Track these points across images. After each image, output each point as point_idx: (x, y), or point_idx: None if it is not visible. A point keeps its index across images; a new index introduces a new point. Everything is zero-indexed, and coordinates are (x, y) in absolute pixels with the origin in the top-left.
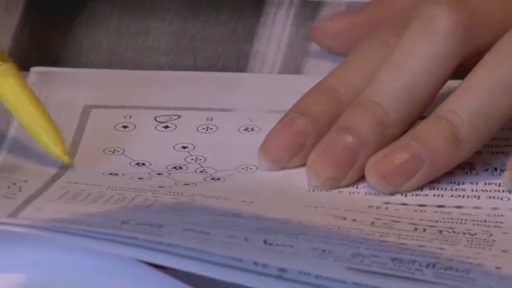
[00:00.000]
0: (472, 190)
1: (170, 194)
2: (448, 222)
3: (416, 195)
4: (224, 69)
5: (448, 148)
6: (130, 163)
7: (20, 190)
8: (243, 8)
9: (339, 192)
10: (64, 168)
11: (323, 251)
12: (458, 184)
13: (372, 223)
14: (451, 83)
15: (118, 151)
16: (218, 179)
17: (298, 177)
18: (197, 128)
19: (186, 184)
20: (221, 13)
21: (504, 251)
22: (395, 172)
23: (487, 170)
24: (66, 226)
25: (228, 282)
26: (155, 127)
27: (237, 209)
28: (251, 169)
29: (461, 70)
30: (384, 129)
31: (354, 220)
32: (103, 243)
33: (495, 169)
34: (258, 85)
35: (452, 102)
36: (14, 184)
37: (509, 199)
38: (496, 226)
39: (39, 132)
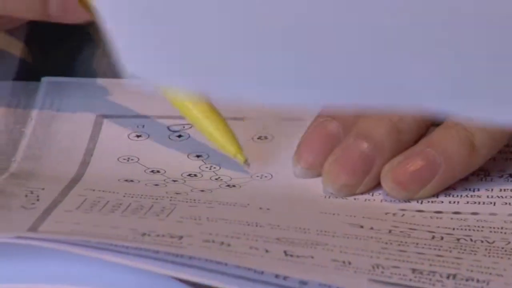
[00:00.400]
0: (488, 196)
1: (187, 201)
2: (465, 229)
3: (432, 202)
4: None
5: (464, 153)
6: (145, 170)
7: (38, 200)
8: None
9: (355, 199)
10: (80, 174)
11: (343, 262)
12: (474, 191)
13: (390, 231)
14: None
15: (132, 160)
16: (234, 186)
17: (314, 184)
18: None
19: (202, 191)
20: None
21: None
22: (410, 178)
23: (502, 176)
24: (87, 240)
25: None
26: (169, 136)
27: (255, 217)
28: (266, 177)
29: None
30: (399, 135)
31: (372, 228)
32: (124, 256)
33: (510, 175)
34: None
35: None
36: (32, 192)
37: None
38: None
39: (214, 132)
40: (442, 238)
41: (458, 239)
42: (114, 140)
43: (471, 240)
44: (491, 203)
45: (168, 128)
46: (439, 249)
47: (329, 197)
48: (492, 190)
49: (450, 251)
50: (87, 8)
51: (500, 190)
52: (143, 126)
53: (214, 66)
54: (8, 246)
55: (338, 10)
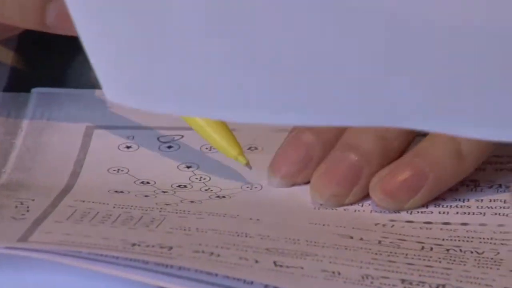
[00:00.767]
0: (477, 207)
1: (177, 212)
2: (455, 240)
3: (422, 212)
4: None
5: (451, 162)
6: (135, 181)
7: (28, 210)
8: None
9: (344, 210)
10: (70, 185)
11: (333, 272)
12: (463, 201)
13: (379, 242)
14: None
15: (122, 171)
16: (223, 197)
17: (304, 194)
18: (200, 148)
19: (192, 202)
20: None
21: (511, 270)
22: (399, 188)
23: (491, 187)
24: (77, 250)
25: None
26: (159, 147)
27: (244, 228)
28: (256, 187)
29: None
30: (386, 145)
31: (361, 239)
32: (114, 267)
33: (500, 186)
34: None
35: None
36: (22, 203)
37: None
38: (502, 244)
39: (214, 136)
40: (431, 248)
41: (448, 250)
42: (104, 151)
43: (461, 250)
44: (481, 213)
45: (158, 139)
46: (429, 260)
47: (319, 208)
48: (481, 200)
49: (440, 262)
50: None
51: (490, 200)
52: (133, 137)
53: (198, 90)
54: None
55: (320, 35)
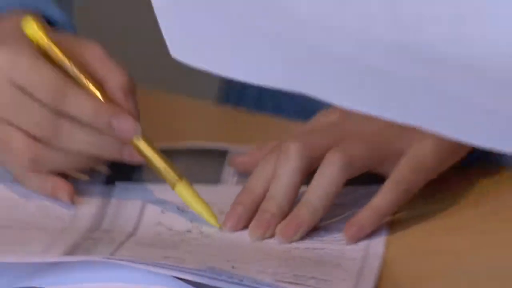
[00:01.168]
0: (325, 241)
1: (190, 244)
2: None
3: (301, 242)
4: None
5: (309, 217)
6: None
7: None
8: None
9: (266, 241)
10: (134, 232)
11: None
12: (322, 236)
13: (283, 257)
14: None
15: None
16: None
17: (243, 234)
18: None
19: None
20: None
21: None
22: (291, 232)
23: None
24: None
25: None
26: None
27: (225, 251)
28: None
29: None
30: (292, 196)
31: (279, 257)
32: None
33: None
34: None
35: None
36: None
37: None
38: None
39: (200, 211)
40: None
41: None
42: (151, 213)
43: (306, 277)
44: (325, 247)
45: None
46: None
47: (254, 241)
48: (328, 234)
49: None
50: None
51: (336, 235)
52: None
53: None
54: (95, 264)
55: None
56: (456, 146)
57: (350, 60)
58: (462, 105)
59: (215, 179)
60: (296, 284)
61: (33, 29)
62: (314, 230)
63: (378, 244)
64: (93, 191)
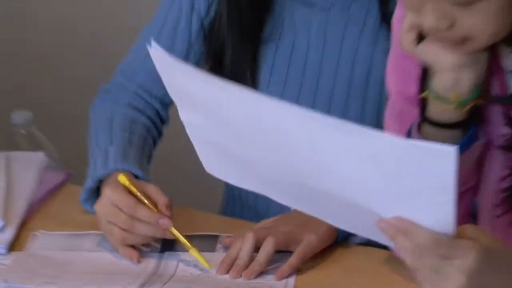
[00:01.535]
0: (266, 278)
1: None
2: None
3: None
4: None
5: (258, 268)
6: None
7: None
8: None
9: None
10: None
11: None
12: (264, 276)
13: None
14: None
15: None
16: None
17: (226, 276)
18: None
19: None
20: None
21: None
22: (250, 273)
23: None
24: None
25: None
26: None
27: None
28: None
29: None
30: (248, 263)
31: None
32: None
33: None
34: None
35: (258, 256)
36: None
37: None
38: None
39: (203, 262)
40: None
41: None
42: (180, 266)
43: None
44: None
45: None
46: None
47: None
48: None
49: None
50: (173, 235)
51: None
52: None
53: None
54: None
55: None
56: (328, 235)
57: (288, 184)
58: (332, 211)
59: (212, 249)
60: None
61: (123, 179)
62: (261, 273)
63: (291, 279)
64: (153, 256)
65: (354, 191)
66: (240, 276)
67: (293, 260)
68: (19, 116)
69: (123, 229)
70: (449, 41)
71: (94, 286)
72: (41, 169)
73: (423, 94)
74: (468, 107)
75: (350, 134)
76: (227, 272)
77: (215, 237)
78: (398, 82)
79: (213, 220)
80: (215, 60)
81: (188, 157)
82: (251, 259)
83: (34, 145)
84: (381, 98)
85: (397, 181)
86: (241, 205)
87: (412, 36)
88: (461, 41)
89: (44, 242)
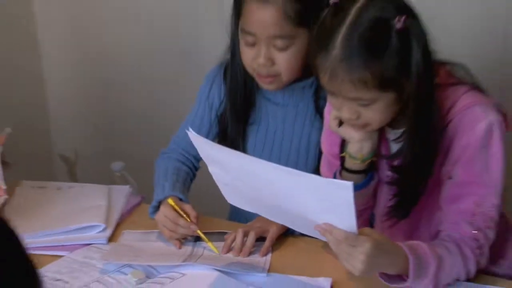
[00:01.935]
0: (251, 258)
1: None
2: None
3: None
4: None
5: (246, 250)
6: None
7: None
8: None
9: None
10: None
11: None
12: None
13: None
14: None
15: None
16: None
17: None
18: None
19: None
20: None
21: None
22: (243, 254)
23: None
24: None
25: None
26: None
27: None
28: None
29: None
30: (240, 248)
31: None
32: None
33: None
34: None
35: (246, 241)
36: None
37: None
38: None
39: (209, 243)
40: None
41: None
42: (207, 250)
43: None
44: None
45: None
46: None
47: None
48: None
49: None
50: (197, 233)
51: None
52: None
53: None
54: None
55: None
56: (282, 228)
57: (271, 207)
58: (291, 219)
59: (222, 240)
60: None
61: (171, 201)
62: (249, 253)
63: (268, 256)
64: (189, 244)
65: (302, 209)
66: (238, 255)
67: (267, 243)
68: (116, 165)
69: (170, 231)
70: (356, 126)
71: (157, 261)
72: (127, 195)
73: (342, 154)
74: (368, 162)
75: (298, 176)
76: (227, 252)
77: (224, 233)
78: (328, 146)
79: (223, 223)
80: (222, 136)
81: (212, 189)
82: (242, 245)
83: (124, 182)
84: (317, 155)
85: (323, 202)
86: (240, 215)
87: (336, 122)
88: (363, 126)
89: (128, 237)
